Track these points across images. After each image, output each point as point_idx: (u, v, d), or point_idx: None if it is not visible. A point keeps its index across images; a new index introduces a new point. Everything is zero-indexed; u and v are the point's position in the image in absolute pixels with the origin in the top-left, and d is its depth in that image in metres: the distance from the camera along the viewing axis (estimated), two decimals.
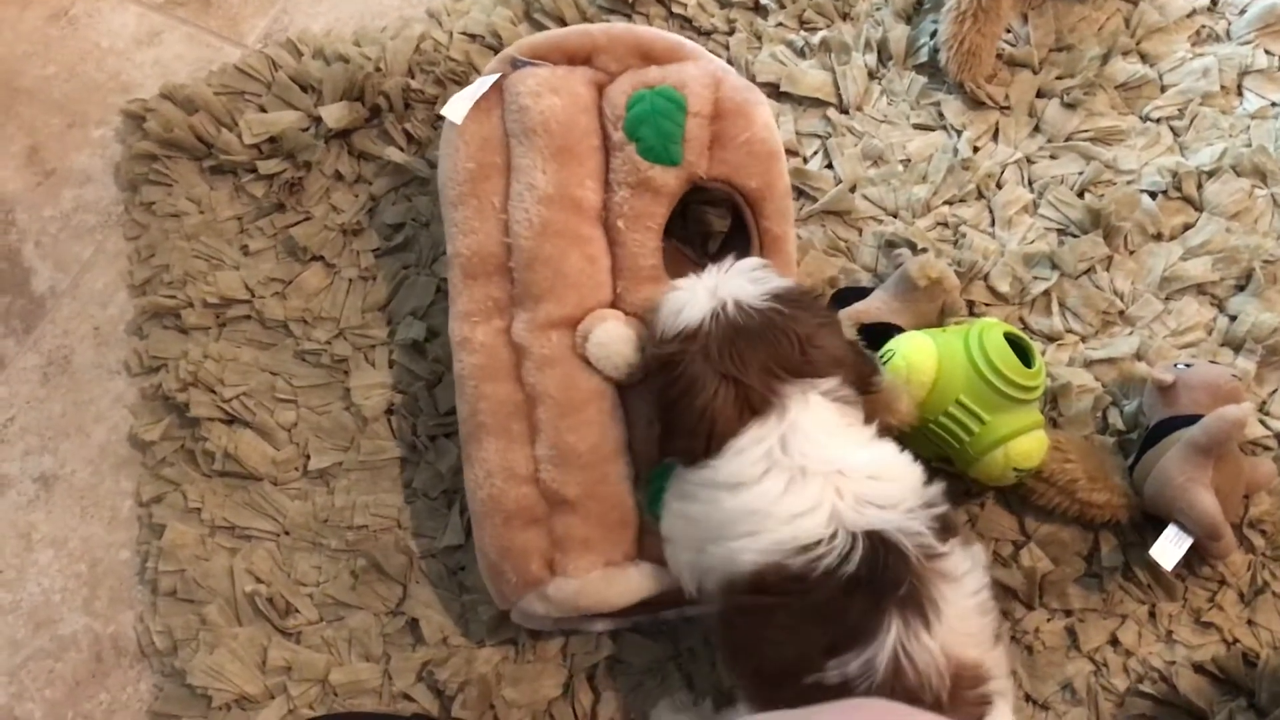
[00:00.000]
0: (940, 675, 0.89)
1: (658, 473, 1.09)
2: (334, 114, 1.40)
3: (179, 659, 1.21)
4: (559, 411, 1.11)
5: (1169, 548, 1.12)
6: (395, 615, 1.22)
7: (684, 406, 0.98)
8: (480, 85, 1.20)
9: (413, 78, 1.42)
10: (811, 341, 0.99)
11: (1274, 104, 1.38)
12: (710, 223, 1.32)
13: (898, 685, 0.88)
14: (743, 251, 1.19)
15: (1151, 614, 1.17)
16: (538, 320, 1.13)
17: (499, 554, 1.10)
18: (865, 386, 1.03)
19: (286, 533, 1.26)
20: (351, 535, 1.25)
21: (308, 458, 1.28)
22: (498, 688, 1.17)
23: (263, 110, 1.43)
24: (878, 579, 0.90)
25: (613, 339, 1.11)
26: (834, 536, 0.92)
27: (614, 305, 1.15)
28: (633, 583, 1.09)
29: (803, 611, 0.92)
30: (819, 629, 0.92)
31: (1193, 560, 1.15)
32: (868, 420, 1.02)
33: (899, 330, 1.18)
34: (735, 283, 1.01)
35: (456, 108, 1.19)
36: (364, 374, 1.31)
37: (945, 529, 0.96)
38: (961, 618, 0.92)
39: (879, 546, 0.91)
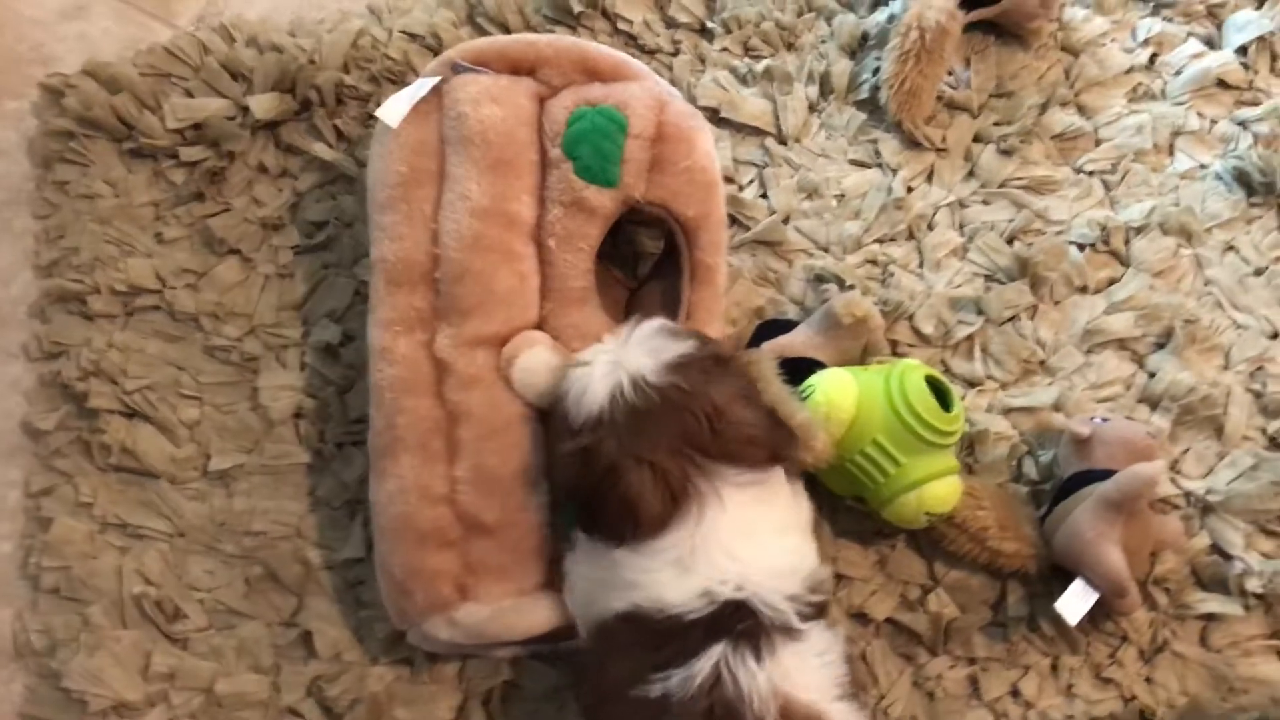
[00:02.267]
0: (763, 702, 0.91)
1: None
2: (263, 104, 1.36)
3: (56, 660, 1.16)
4: (482, 433, 1.08)
5: (1075, 602, 1.12)
6: (288, 627, 1.18)
7: (606, 496, 0.96)
8: (419, 88, 1.16)
9: (347, 73, 1.39)
10: (721, 417, 0.97)
11: (1203, 166, 1.40)
12: (642, 244, 1.31)
13: (716, 697, 0.91)
14: (673, 278, 1.18)
15: (1054, 667, 1.17)
16: (464, 336, 1.09)
17: (406, 574, 1.07)
18: (780, 458, 1.01)
19: (181, 534, 1.21)
20: (249, 541, 1.20)
21: (208, 458, 1.24)
22: (389, 708, 1.14)
23: (189, 95, 1.39)
24: (721, 624, 0.93)
25: (540, 366, 1.08)
26: (704, 600, 0.94)
27: (540, 326, 1.12)
28: (543, 613, 1.07)
29: (642, 637, 0.95)
30: (655, 653, 0.94)
31: (1097, 615, 1.15)
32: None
33: (820, 365, 1.17)
34: (633, 356, 0.98)
35: (392, 110, 1.15)
36: (274, 374, 1.27)
37: (815, 613, 0.99)
38: (799, 666, 0.94)
39: (734, 609, 0.94)
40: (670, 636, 0.94)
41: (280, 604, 1.18)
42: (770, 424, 1.01)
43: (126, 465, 1.23)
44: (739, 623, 0.93)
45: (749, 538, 0.97)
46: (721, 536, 0.96)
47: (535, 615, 1.06)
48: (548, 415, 1.09)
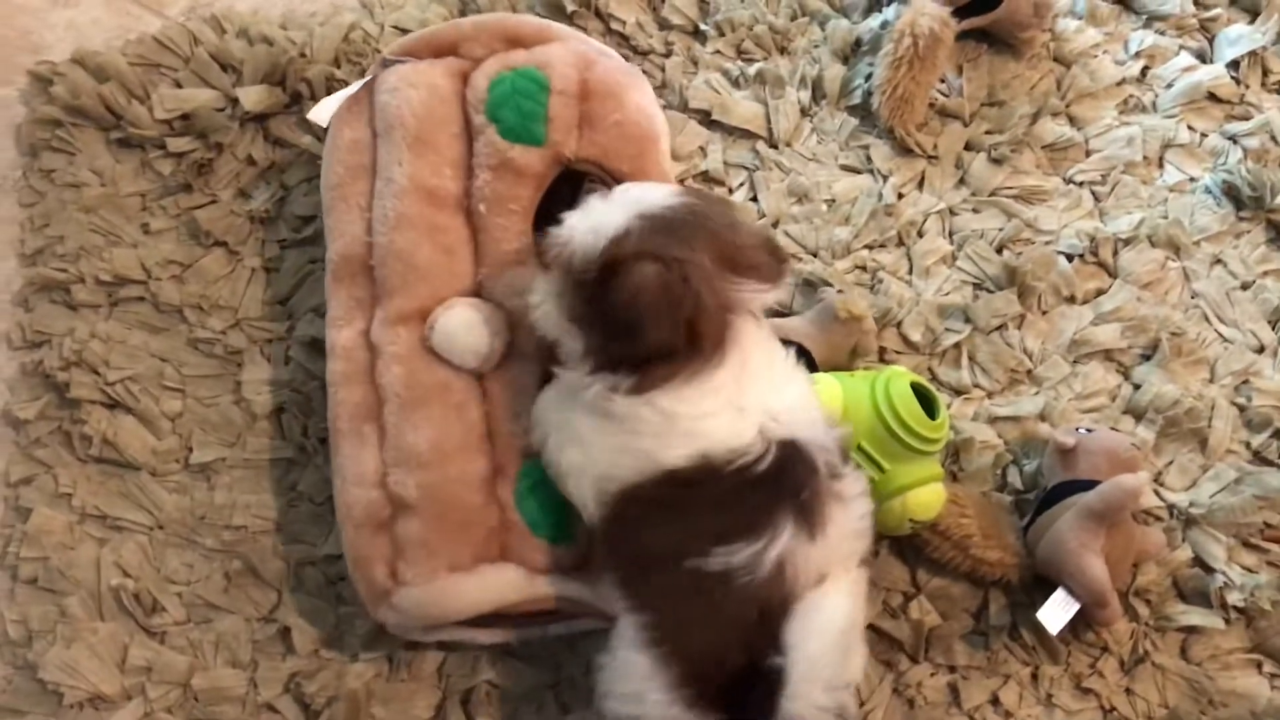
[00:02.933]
0: (810, 585, 0.93)
1: (526, 469, 1.06)
2: (252, 96, 1.35)
3: (32, 651, 1.14)
4: (401, 410, 1.07)
5: (1056, 611, 1.12)
6: (267, 622, 1.17)
7: (655, 304, 0.90)
8: (349, 89, 1.19)
9: (338, 67, 1.38)
10: (738, 229, 0.96)
11: (1192, 179, 1.41)
12: None
13: (775, 584, 0.91)
14: None
15: (1034, 676, 1.17)
16: (389, 316, 1.10)
17: (353, 563, 1.07)
18: (780, 275, 0.97)
19: (160, 527, 1.20)
20: (229, 535, 1.20)
21: (190, 450, 1.23)
22: (367, 705, 1.13)
23: (178, 86, 1.38)
24: (783, 480, 0.93)
25: (458, 326, 1.08)
26: (754, 445, 0.93)
27: (476, 294, 1.11)
28: (488, 589, 1.05)
29: (701, 500, 0.94)
30: (713, 517, 0.93)
31: (1078, 625, 1.15)
32: None
33: (807, 354, 1.17)
34: (637, 193, 0.96)
35: (321, 112, 1.19)
36: (258, 368, 1.26)
37: (844, 453, 0.99)
38: (841, 538, 0.96)
39: (792, 453, 0.94)
40: (736, 496, 0.93)
41: (259, 599, 1.17)
42: (770, 237, 1.04)
43: (107, 456, 1.22)
44: (799, 480, 0.93)
45: (771, 376, 0.97)
46: (761, 371, 0.96)
47: (476, 591, 1.04)
48: (483, 377, 1.09)
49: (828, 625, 0.93)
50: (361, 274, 1.13)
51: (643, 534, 0.96)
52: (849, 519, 0.97)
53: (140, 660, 1.14)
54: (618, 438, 0.96)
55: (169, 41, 1.40)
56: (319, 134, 1.35)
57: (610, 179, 1.15)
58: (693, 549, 0.92)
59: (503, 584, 1.05)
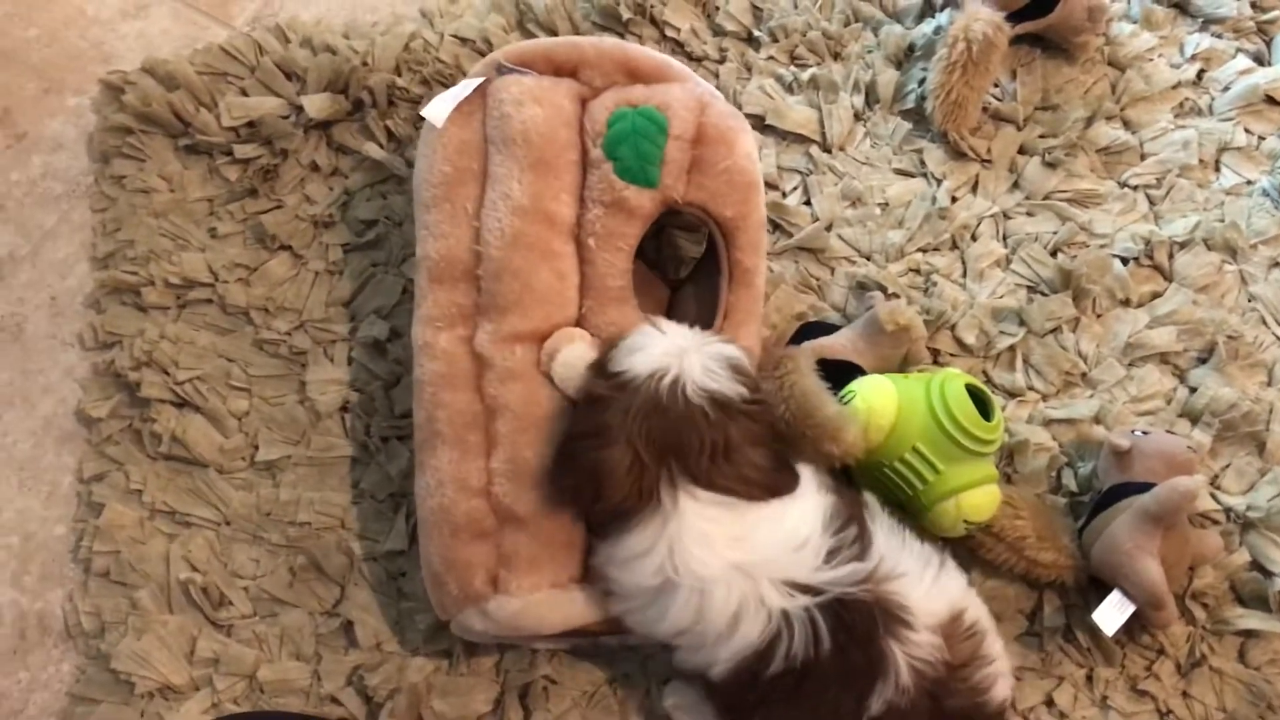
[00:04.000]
0: (938, 650, 0.97)
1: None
2: (316, 104, 1.38)
3: (105, 642, 1.18)
4: (518, 426, 1.09)
5: (1112, 613, 1.12)
6: (330, 616, 1.20)
7: (582, 452, 0.99)
8: (463, 88, 1.18)
9: (399, 75, 1.41)
10: (729, 455, 0.97)
11: (1249, 182, 1.40)
12: (682, 247, 1.32)
13: (926, 674, 0.96)
14: (713, 279, 1.19)
15: (1089, 678, 1.17)
16: (502, 332, 1.11)
17: (444, 565, 1.09)
18: (778, 495, 1.00)
19: (227, 523, 1.23)
20: (293, 531, 1.23)
21: (256, 448, 1.26)
22: (427, 698, 1.15)
23: (244, 94, 1.42)
24: (855, 633, 0.95)
25: (578, 361, 1.09)
26: (788, 627, 0.95)
27: (579, 323, 1.13)
28: (576, 607, 1.08)
29: (801, 691, 0.96)
30: (825, 693, 0.96)
31: (1134, 628, 1.15)
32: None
33: (859, 370, 1.17)
34: (693, 360, 0.99)
35: (437, 109, 1.17)
36: (322, 369, 1.29)
37: (860, 538, 1.00)
38: (925, 596, 0.99)
39: (836, 609, 0.95)
40: (840, 674, 0.96)
41: (323, 594, 1.20)
42: (778, 467, 1.01)
43: (176, 454, 1.26)
44: (860, 623, 0.95)
45: (719, 541, 0.97)
46: (689, 543, 0.97)
47: (568, 609, 1.07)
48: None
49: None
50: (465, 280, 1.14)
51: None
52: (916, 582, 1.00)
53: (208, 652, 1.17)
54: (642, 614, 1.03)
55: (235, 51, 1.44)
56: (380, 140, 1.39)
57: (714, 224, 1.17)
58: (845, 716, 0.97)
59: (588, 604, 1.08)
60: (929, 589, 1.01)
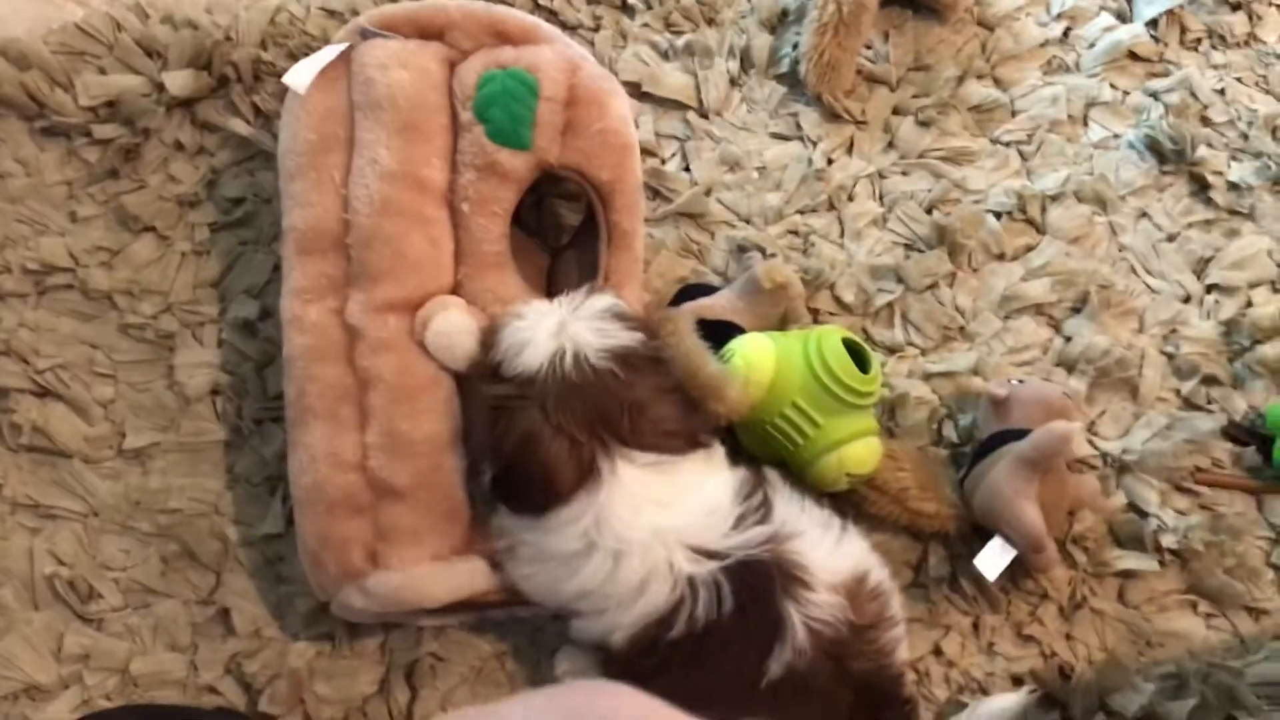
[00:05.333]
0: (840, 608, 0.97)
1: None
2: (178, 81, 1.34)
3: None
4: (393, 397, 1.06)
5: (993, 558, 1.13)
6: (206, 605, 1.16)
7: (521, 460, 0.97)
8: (326, 54, 1.15)
9: (265, 50, 1.37)
10: (643, 412, 0.98)
11: (1116, 135, 1.43)
12: (562, 215, 1.31)
13: (828, 635, 0.96)
14: (593, 245, 1.18)
15: (975, 626, 1.18)
16: (374, 301, 1.08)
17: (319, 543, 1.06)
18: (698, 444, 1.02)
19: (95, 514, 1.19)
20: (164, 519, 1.18)
21: (123, 436, 1.22)
22: (310, 682, 1.12)
23: (102, 73, 1.36)
24: (756, 593, 0.96)
25: (453, 329, 1.07)
26: (692, 593, 0.96)
27: (455, 290, 1.11)
28: (459, 579, 1.06)
29: (701, 654, 0.96)
30: (725, 655, 0.96)
31: (1016, 573, 1.17)
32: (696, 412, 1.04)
33: (739, 330, 1.17)
34: (580, 329, 0.99)
35: (299, 76, 1.14)
36: (190, 351, 1.25)
37: (764, 505, 1.01)
38: (825, 556, 1.00)
39: (739, 572, 0.96)
40: (731, 630, 0.96)
41: (198, 581, 1.16)
42: (688, 415, 1.03)
43: (38, 445, 1.20)
44: (761, 583, 0.96)
45: (649, 506, 0.98)
46: (619, 507, 0.97)
47: (451, 580, 1.05)
48: (463, 378, 1.08)
49: None
50: (334, 250, 1.11)
51: (691, 688, 0.95)
52: (815, 543, 1.00)
53: (77, 648, 1.13)
54: (543, 584, 1.03)
55: (92, 29, 1.38)
56: (246, 117, 1.35)
57: (590, 187, 1.15)
58: (751, 676, 0.96)
59: (473, 575, 1.06)
60: (830, 550, 1.01)
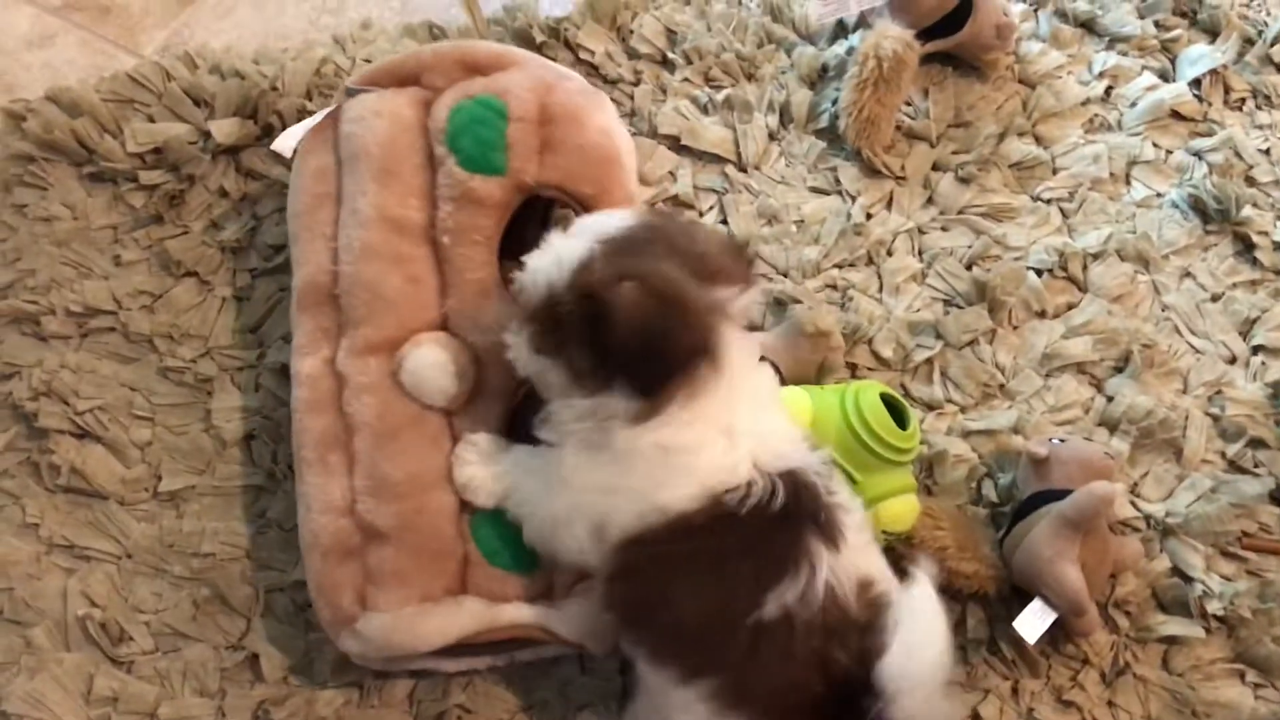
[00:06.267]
0: (852, 591, 0.93)
1: (481, 519, 1.06)
2: (224, 129, 1.36)
3: None
4: (375, 440, 1.06)
5: (1033, 621, 1.11)
6: (235, 650, 1.15)
7: (640, 321, 0.89)
8: (313, 119, 1.19)
9: (310, 100, 1.39)
10: (693, 237, 0.96)
11: (1159, 194, 1.42)
12: None
13: (830, 608, 0.91)
14: None
15: (1014, 690, 1.15)
16: (357, 346, 1.09)
17: (316, 590, 1.06)
18: (749, 274, 0.98)
19: (129, 556, 1.19)
20: (197, 563, 1.18)
21: (159, 479, 1.22)
22: None
23: (150, 120, 1.39)
24: (799, 510, 0.93)
25: (425, 365, 1.07)
26: (755, 480, 0.92)
27: (443, 324, 1.11)
28: (452, 619, 1.04)
29: (726, 551, 0.93)
30: (750, 565, 0.92)
31: (1057, 637, 1.14)
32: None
33: (775, 369, 1.16)
34: (593, 221, 0.98)
35: (284, 142, 1.20)
36: (228, 396, 1.26)
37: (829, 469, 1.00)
38: (859, 547, 0.97)
39: (796, 484, 0.93)
40: (763, 538, 0.92)
41: (228, 626, 1.16)
42: (730, 238, 1.06)
43: (75, 486, 1.21)
44: (813, 506, 0.93)
45: (759, 399, 0.97)
46: (747, 391, 0.95)
47: (443, 620, 1.04)
48: (451, 414, 1.08)
49: (922, 618, 0.91)
50: (326, 303, 1.13)
51: (681, 601, 0.94)
52: (853, 524, 0.97)
53: (106, 690, 1.12)
54: (608, 475, 0.95)
55: (142, 78, 1.41)
56: (289, 165, 1.36)
57: (574, 203, 1.15)
58: (745, 604, 0.91)
59: (465, 614, 1.05)
60: (861, 544, 0.98)
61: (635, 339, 0.90)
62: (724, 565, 0.93)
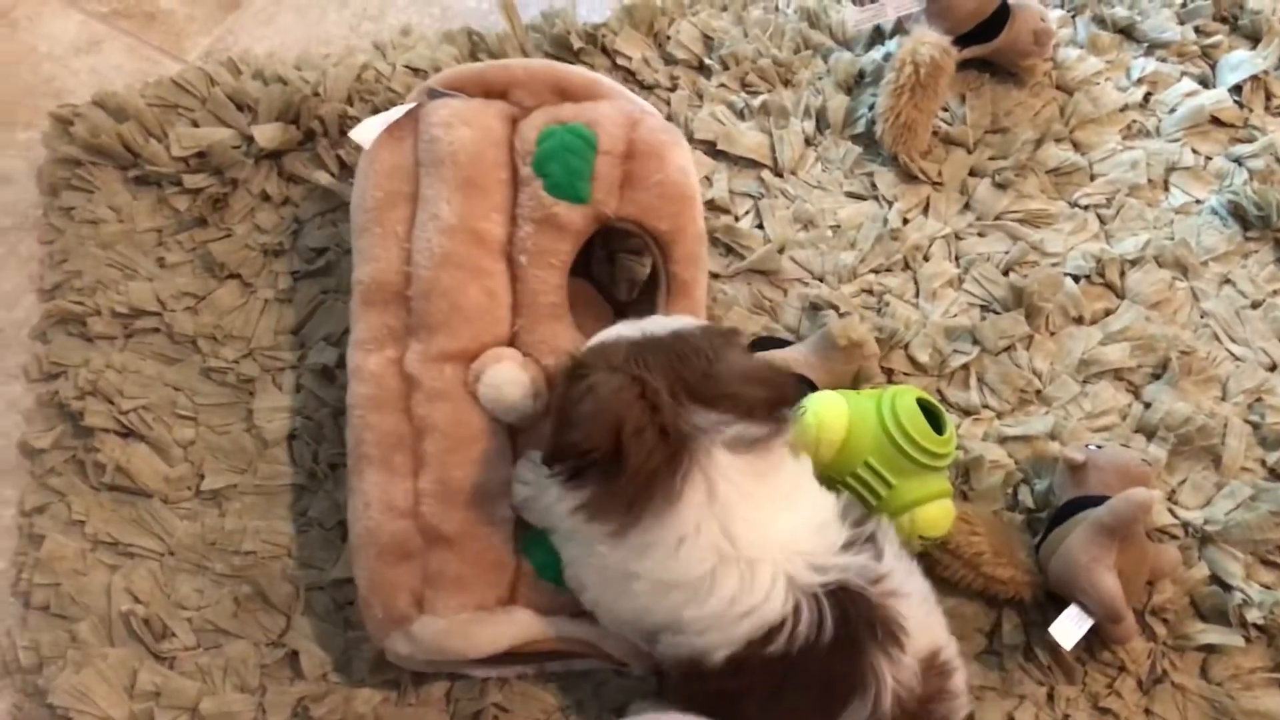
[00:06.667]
0: (917, 681, 0.93)
1: (535, 533, 1.07)
2: (267, 134, 1.38)
3: (43, 677, 1.14)
4: (447, 446, 1.08)
5: (1069, 627, 1.11)
6: (276, 647, 1.16)
7: (585, 405, 0.90)
8: (394, 113, 1.20)
9: (351, 105, 1.41)
10: (718, 358, 0.93)
11: (1198, 201, 1.41)
12: (634, 270, 1.32)
13: (900, 711, 0.92)
14: (654, 295, 1.19)
15: (1050, 696, 1.15)
16: (430, 352, 1.10)
17: (368, 588, 1.07)
18: (786, 402, 0.96)
19: (171, 553, 1.21)
20: (238, 560, 1.20)
21: (202, 477, 1.24)
22: None
23: (195, 125, 1.41)
24: (855, 633, 0.91)
25: (505, 382, 1.08)
26: (798, 608, 0.90)
27: (512, 342, 1.13)
28: (503, 628, 1.06)
29: (785, 686, 0.92)
30: (808, 696, 0.92)
31: (1093, 644, 1.14)
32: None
33: (811, 385, 1.17)
34: (648, 321, 0.99)
35: (365, 132, 1.19)
36: (269, 396, 1.27)
37: (874, 541, 0.97)
38: (920, 622, 0.95)
39: (842, 599, 0.91)
40: (820, 665, 0.91)
41: (268, 624, 1.17)
42: (770, 371, 0.98)
43: (120, 484, 1.23)
44: (863, 618, 0.91)
45: (766, 503, 0.92)
46: (740, 508, 0.91)
47: (495, 630, 1.05)
48: (516, 431, 1.10)
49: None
50: (395, 302, 1.14)
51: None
52: (915, 604, 0.96)
53: (149, 685, 1.14)
54: (627, 611, 0.98)
55: (186, 83, 1.44)
56: (331, 169, 1.38)
57: (649, 238, 1.17)
58: None
59: (518, 625, 1.06)
60: (923, 619, 0.97)
61: (560, 412, 0.93)
62: (783, 699, 0.92)
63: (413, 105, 1.19)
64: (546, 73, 1.21)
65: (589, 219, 1.14)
